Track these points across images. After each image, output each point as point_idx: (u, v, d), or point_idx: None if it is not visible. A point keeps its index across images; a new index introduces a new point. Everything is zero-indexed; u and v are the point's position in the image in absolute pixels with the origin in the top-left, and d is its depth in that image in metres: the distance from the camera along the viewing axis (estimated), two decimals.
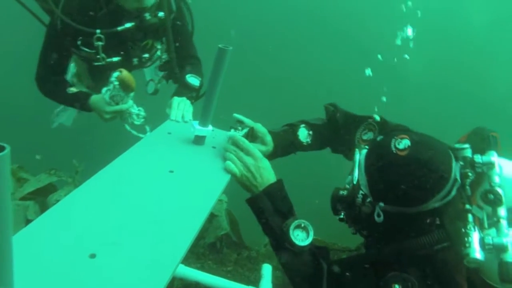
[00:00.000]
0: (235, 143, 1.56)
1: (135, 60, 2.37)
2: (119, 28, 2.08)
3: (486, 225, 1.19)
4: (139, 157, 1.42)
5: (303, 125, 1.87)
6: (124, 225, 1.05)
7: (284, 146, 1.81)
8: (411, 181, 1.22)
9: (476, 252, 1.11)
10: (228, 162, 1.50)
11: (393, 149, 1.26)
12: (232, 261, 3.08)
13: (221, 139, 1.69)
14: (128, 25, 2.09)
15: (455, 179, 1.24)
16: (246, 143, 1.54)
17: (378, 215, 1.28)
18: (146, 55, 2.41)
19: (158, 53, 2.49)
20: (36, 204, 2.89)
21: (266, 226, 1.43)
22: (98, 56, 2.17)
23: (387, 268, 1.24)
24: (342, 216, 1.43)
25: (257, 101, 5.29)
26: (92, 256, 0.92)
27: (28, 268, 0.85)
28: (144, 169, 1.35)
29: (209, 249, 3.11)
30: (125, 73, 1.86)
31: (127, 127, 1.99)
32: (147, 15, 2.10)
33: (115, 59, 2.25)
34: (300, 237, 1.34)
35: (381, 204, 1.28)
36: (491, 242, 1.12)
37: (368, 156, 1.37)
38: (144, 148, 1.50)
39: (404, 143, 1.25)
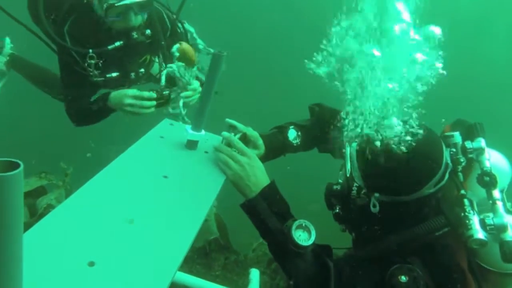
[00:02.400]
0: (228, 143, 1.56)
1: (133, 75, 2.55)
2: (109, 47, 2.29)
3: (476, 208, 1.23)
4: (133, 162, 1.40)
5: (291, 126, 1.89)
6: (121, 232, 1.04)
7: (275, 148, 1.82)
8: (403, 170, 1.23)
9: (479, 233, 1.15)
10: (221, 162, 1.49)
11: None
12: (220, 265, 3.07)
13: (214, 144, 1.68)
14: (117, 43, 2.30)
15: (447, 164, 1.26)
16: (239, 143, 1.55)
17: (374, 206, 1.29)
18: (142, 70, 2.61)
19: (156, 66, 2.67)
20: (24, 207, 2.82)
21: (265, 230, 1.39)
22: (91, 73, 2.35)
23: (390, 261, 1.25)
24: (337, 211, 1.44)
25: (242, 104, 5.27)
26: (91, 264, 0.91)
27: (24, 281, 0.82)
28: (139, 175, 1.34)
29: (197, 253, 3.09)
30: (185, 44, 1.82)
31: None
32: (134, 34, 2.31)
33: (114, 74, 2.44)
34: (303, 238, 1.29)
35: (376, 194, 1.29)
36: (492, 222, 1.16)
37: (359, 149, 1.38)
38: (138, 152, 1.49)
39: None
